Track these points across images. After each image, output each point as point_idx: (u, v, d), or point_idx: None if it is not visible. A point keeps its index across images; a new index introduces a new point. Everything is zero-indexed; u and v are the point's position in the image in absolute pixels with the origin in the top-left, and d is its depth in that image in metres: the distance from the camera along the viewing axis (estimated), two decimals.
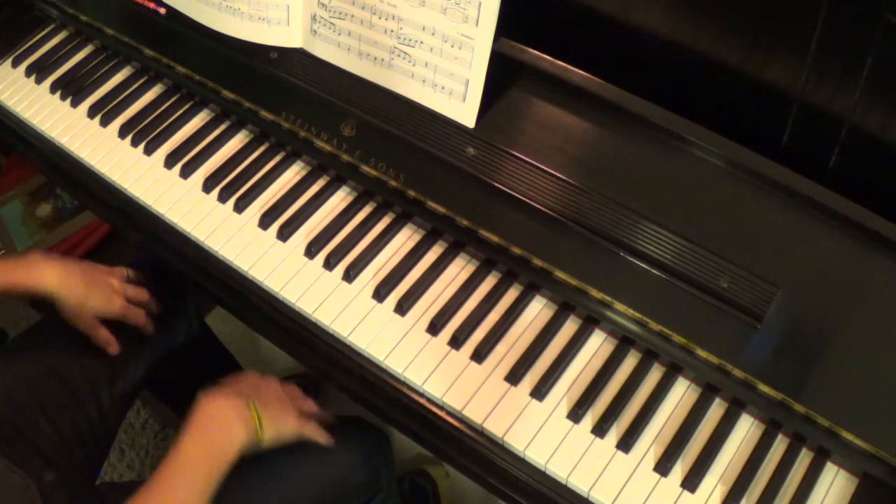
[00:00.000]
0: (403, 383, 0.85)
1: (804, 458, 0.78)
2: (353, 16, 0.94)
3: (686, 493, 0.76)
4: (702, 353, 0.79)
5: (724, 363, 0.78)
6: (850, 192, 0.78)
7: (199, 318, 1.21)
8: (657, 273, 0.81)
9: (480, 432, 0.81)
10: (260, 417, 0.81)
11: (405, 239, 0.93)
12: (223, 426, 0.79)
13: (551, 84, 0.89)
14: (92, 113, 1.09)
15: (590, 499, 0.77)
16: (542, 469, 0.79)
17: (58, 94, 1.13)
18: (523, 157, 0.87)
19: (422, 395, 0.84)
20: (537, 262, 0.86)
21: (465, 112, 0.90)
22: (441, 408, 0.83)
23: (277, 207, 0.96)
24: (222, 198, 0.98)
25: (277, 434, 0.85)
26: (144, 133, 1.06)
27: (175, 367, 1.13)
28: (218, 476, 0.78)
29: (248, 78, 1.02)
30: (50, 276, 0.92)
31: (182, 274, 1.01)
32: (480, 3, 0.84)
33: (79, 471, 0.96)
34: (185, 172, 1.01)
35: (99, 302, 0.95)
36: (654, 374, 0.83)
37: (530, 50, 0.90)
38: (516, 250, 0.87)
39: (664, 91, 0.84)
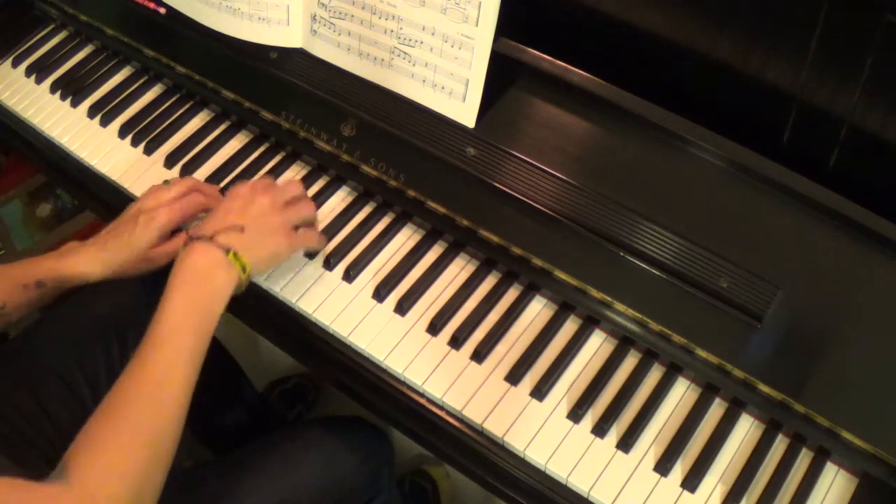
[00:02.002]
0: (403, 383, 0.85)
1: (804, 458, 0.78)
2: (353, 16, 0.94)
3: (686, 493, 0.76)
4: (702, 353, 0.79)
5: (724, 363, 0.78)
6: (850, 192, 0.78)
7: None
8: (657, 273, 0.81)
9: (480, 432, 0.81)
10: (241, 260, 0.79)
11: (405, 239, 0.93)
12: (202, 280, 0.77)
13: (551, 84, 0.89)
14: (92, 113, 1.10)
15: (590, 499, 0.77)
16: (542, 469, 0.79)
17: (58, 94, 1.13)
18: (523, 157, 0.87)
19: (422, 395, 0.84)
20: (537, 262, 0.86)
21: (465, 112, 0.90)
22: (441, 408, 0.83)
23: None
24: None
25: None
26: (144, 133, 1.06)
27: None
28: (206, 332, 0.76)
29: (248, 78, 1.02)
30: (87, 264, 0.89)
31: None
32: (480, 3, 0.84)
33: None
34: (186, 172, 1.01)
35: (146, 238, 0.88)
36: (654, 374, 0.83)
37: (530, 50, 0.90)
38: (516, 250, 0.87)
39: (664, 91, 0.84)
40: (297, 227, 0.88)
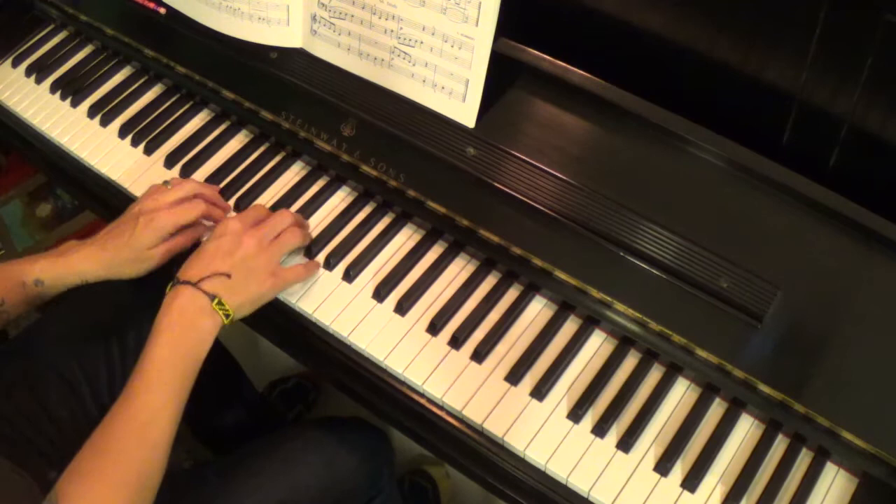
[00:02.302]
0: (403, 383, 0.85)
1: (804, 458, 0.78)
2: (353, 16, 0.94)
3: (686, 493, 0.76)
4: (702, 353, 0.79)
5: (724, 363, 0.78)
6: (850, 192, 0.78)
7: None
8: (657, 273, 0.81)
9: (480, 432, 0.81)
10: (225, 307, 0.80)
11: (405, 239, 0.93)
12: (188, 325, 0.79)
13: (551, 84, 0.89)
14: (92, 113, 1.10)
15: (590, 499, 0.77)
16: (542, 469, 0.79)
17: (58, 94, 1.13)
18: (523, 157, 0.87)
19: (422, 395, 0.84)
20: (537, 262, 0.86)
21: (465, 112, 0.90)
22: (441, 408, 0.83)
23: (278, 208, 0.96)
24: (223, 198, 0.98)
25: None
26: (144, 133, 1.06)
27: None
28: (192, 374, 0.78)
29: (248, 78, 1.02)
30: (85, 263, 0.89)
31: None
32: (480, 3, 0.84)
33: None
34: (186, 172, 1.01)
35: (145, 239, 0.88)
36: (654, 374, 0.83)
37: (530, 50, 0.90)
38: (516, 250, 0.87)
39: (664, 91, 0.84)
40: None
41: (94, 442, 0.73)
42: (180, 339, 0.78)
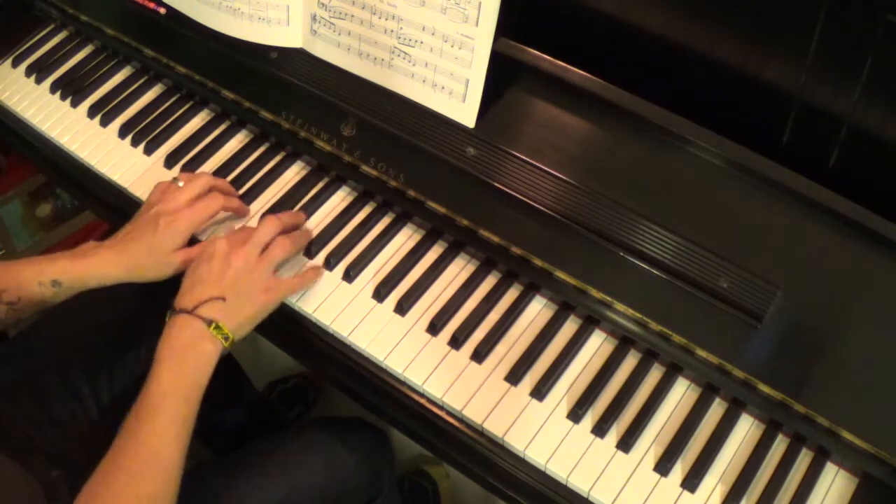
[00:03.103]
0: (403, 383, 0.85)
1: (804, 458, 0.78)
2: (353, 16, 0.94)
3: (686, 493, 0.76)
4: (702, 353, 0.79)
5: (724, 363, 0.78)
6: (850, 192, 0.78)
7: None
8: (657, 273, 0.81)
9: (480, 432, 0.81)
10: (223, 331, 0.81)
11: (405, 239, 0.93)
12: (188, 352, 0.79)
13: (551, 84, 0.89)
14: (92, 113, 1.10)
15: (590, 499, 0.77)
16: (542, 469, 0.79)
17: (58, 94, 1.13)
18: (523, 157, 0.87)
19: (422, 395, 0.84)
20: (537, 262, 0.86)
21: (465, 112, 0.90)
22: (441, 408, 0.83)
23: (278, 208, 0.96)
24: None
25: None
26: (144, 133, 1.06)
27: None
28: (196, 399, 0.78)
29: (248, 78, 1.02)
30: (106, 267, 0.88)
31: None
32: (480, 3, 0.84)
33: (80, 469, 0.96)
34: (186, 172, 1.01)
35: (168, 241, 0.87)
36: (654, 374, 0.83)
37: (530, 50, 0.90)
38: (516, 250, 0.87)
39: (664, 91, 0.84)
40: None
41: (105, 469, 0.73)
42: (182, 366, 0.78)
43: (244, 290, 0.84)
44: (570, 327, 0.86)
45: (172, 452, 0.75)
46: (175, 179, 0.92)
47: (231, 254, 0.84)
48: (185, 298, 0.82)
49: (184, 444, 0.76)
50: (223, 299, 0.82)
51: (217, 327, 0.80)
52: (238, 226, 0.95)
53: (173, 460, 0.75)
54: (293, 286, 0.88)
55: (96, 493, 0.72)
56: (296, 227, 0.92)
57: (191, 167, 1.02)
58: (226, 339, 0.81)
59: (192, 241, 0.91)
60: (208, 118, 1.07)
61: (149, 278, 0.89)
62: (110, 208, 1.05)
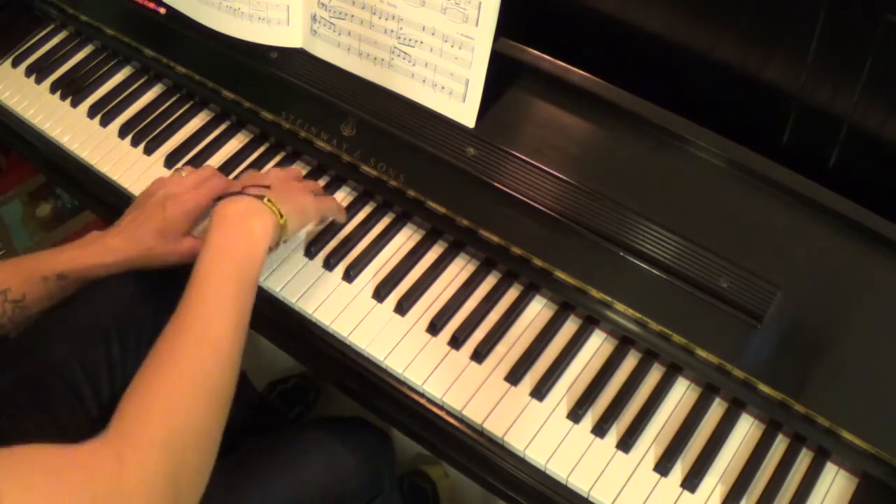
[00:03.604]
0: (403, 383, 0.85)
1: (804, 458, 0.78)
2: (353, 16, 0.94)
3: (686, 493, 0.76)
4: (702, 353, 0.79)
5: (724, 363, 0.78)
6: (850, 192, 0.78)
7: None
8: (657, 273, 0.81)
9: (480, 432, 0.81)
10: (276, 206, 0.80)
11: (405, 239, 0.93)
12: (242, 225, 0.77)
13: (551, 84, 0.89)
14: (92, 113, 1.10)
15: (590, 499, 0.77)
16: (542, 469, 0.79)
17: (58, 94, 1.13)
18: (523, 157, 0.87)
19: (422, 395, 0.84)
20: (537, 262, 0.86)
21: (465, 112, 0.90)
22: (441, 408, 0.83)
23: None
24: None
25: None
26: (144, 133, 1.06)
27: None
28: (249, 281, 0.75)
29: (248, 78, 1.02)
30: (112, 256, 0.86)
31: None
32: (480, 3, 0.84)
33: None
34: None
35: (177, 220, 0.86)
36: (654, 374, 0.83)
37: (530, 50, 0.90)
38: (516, 250, 0.87)
39: (664, 91, 0.84)
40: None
41: (149, 358, 0.69)
42: (232, 241, 0.75)
43: (289, 188, 0.86)
44: (570, 327, 0.86)
45: (225, 331, 0.70)
46: (178, 170, 0.92)
47: (271, 171, 0.89)
48: (231, 189, 0.82)
49: (238, 329, 0.72)
50: (268, 188, 0.82)
51: (270, 201, 0.79)
52: None
53: (227, 341, 0.70)
54: (332, 205, 0.91)
55: (137, 382, 0.67)
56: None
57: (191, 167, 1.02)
58: (280, 215, 0.79)
59: None
60: (208, 118, 1.07)
61: (154, 265, 0.88)
62: (110, 208, 1.05)
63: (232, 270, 0.74)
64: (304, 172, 1.00)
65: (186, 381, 0.67)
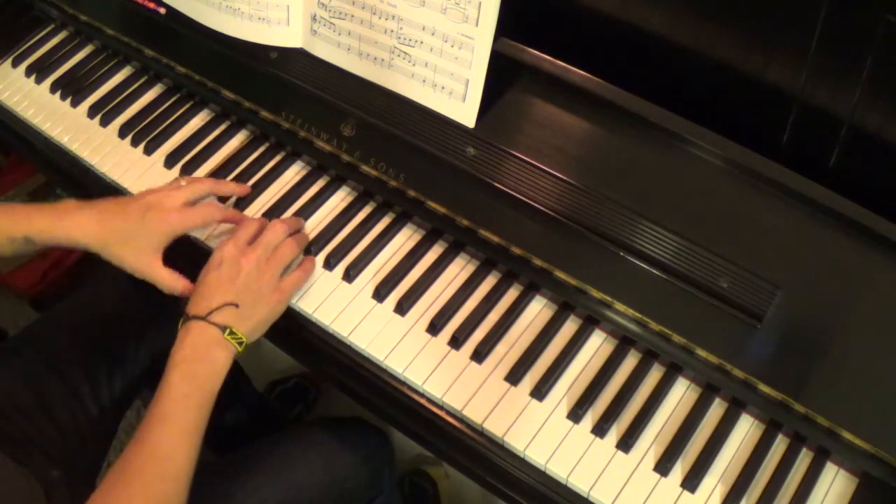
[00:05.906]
0: (403, 383, 0.85)
1: (804, 458, 0.78)
2: (353, 16, 0.94)
3: (686, 493, 0.76)
4: (702, 353, 0.79)
5: (724, 363, 0.78)
6: (850, 192, 0.78)
7: None
8: (657, 273, 0.81)
9: (480, 432, 0.81)
10: (237, 336, 0.80)
11: (405, 239, 0.93)
12: (201, 359, 0.79)
13: (551, 84, 0.89)
14: (92, 113, 1.09)
15: (590, 499, 0.77)
16: (542, 469, 0.79)
17: (58, 94, 1.13)
18: (523, 157, 0.87)
19: (422, 395, 0.84)
20: (537, 262, 0.86)
21: (465, 112, 0.90)
22: (441, 408, 0.83)
23: (278, 208, 0.96)
24: (223, 198, 0.98)
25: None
26: (144, 133, 1.06)
27: None
28: (207, 406, 0.78)
29: (248, 78, 1.02)
30: (80, 231, 0.86)
31: None
32: (480, 3, 0.84)
33: (80, 469, 0.96)
34: (186, 172, 1.01)
35: (150, 235, 0.86)
36: (654, 374, 0.83)
37: (530, 50, 0.90)
38: (516, 250, 0.87)
39: (664, 91, 0.84)
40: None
41: (116, 475, 0.73)
42: (194, 373, 0.78)
43: (256, 293, 0.83)
44: (570, 327, 0.86)
45: (184, 459, 0.75)
46: (177, 179, 0.92)
47: (241, 258, 0.84)
48: (197, 305, 0.81)
49: (195, 450, 0.76)
50: (236, 305, 0.81)
51: (231, 333, 0.80)
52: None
53: (185, 466, 0.74)
54: (297, 280, 0.88)
55: (107, 498, 0.71)
56: (298, 231, 0.92)
57: (191, 167, 1.02)
58: (240, 343, 0.81)
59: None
60: (208, 118, 1.07)
61: (123, 266, 0.87)
62: None
63: (195, 399, 0.77)
64: (300, 176, 1.00)
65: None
